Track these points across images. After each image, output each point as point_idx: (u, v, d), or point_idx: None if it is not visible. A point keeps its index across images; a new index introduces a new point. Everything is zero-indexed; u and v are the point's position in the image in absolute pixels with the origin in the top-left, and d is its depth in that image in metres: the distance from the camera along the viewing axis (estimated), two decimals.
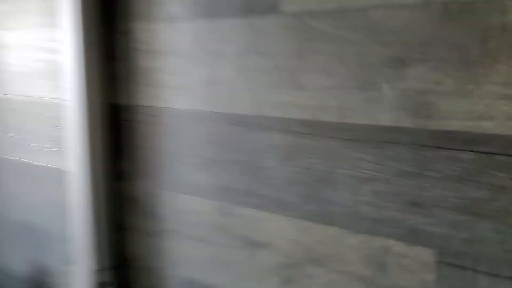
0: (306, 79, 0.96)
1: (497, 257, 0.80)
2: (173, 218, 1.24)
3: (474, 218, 0.81)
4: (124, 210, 1.34)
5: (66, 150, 1.37)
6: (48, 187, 1.52)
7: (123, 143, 1.30)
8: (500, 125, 0.77)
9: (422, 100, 0.83)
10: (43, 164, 1.52)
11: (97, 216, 1.32)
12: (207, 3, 1.08)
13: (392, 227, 0.90)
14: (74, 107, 1.27)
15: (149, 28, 1.18)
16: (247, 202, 1.09)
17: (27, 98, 1.52)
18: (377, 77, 0.88)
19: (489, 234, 0.80)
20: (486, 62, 0.77)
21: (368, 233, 0.92)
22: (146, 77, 1.21)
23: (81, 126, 1.27)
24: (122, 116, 1.29)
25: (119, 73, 1.26)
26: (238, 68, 1.05)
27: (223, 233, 1.14)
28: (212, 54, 1.09)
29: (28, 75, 1.50)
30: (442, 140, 0.82)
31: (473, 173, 0.80)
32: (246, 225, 1.10)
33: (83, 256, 1.36)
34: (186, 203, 1.20)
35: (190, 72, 1.13)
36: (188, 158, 1.18)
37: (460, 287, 0.83)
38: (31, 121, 1.53)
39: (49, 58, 1.42)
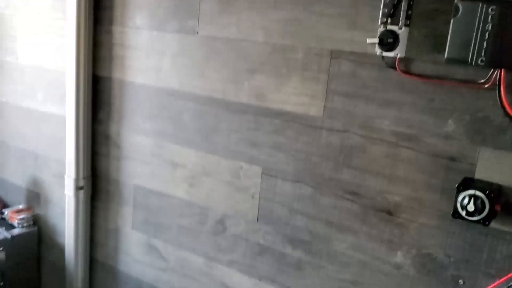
0: (208, 73, 1.75)
1: (286, 171, 1.63)
2: (129, 148, 2.02)
3: (278, 152, 1.63)
4: (99, 142, 2.12)
5: (65, 102, 2.12)
6: (50, 126, 2.26)
7: (101, 100, 2.07)
8: (291, 107, 1.58)
9: (261, 92, 1.64)
10: (46, 111, 2.25)
11: (81, 146, 2.09)
12: (158, 22, 1.84)
13: (243, 155, 1.71)
14: (71, 75, 2.01)
15: (123, 31, 1.94)
16: (172, 140, 1.88)
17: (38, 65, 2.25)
18: (242, 77, 1.67)
19: (284, 159, 1.63)
20: (287, 76, 1.58)
21: (232, 159, 1.74)
22: (119, 61, 1.97)
23: (75, 87, 2.02)
24: (102, 83, 2.04)
25: (102, 56, 2.02)
26: (172, 62, 1.83)
27: (157, 158, 1.94)
28: (159, 52, 1.86)
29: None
30: (268, 113, 1.64)
31: (280, 130, 1.62)
32: (171, 153, 1.90)
33: (69, 170, 2.13)
34: (137, 139, 1.99)
35: (145, 61, 1.90)
36: (140, 112, 1.95)
37: (266, 186, 1.66)
38: (41, 82, 2.26)
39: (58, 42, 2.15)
